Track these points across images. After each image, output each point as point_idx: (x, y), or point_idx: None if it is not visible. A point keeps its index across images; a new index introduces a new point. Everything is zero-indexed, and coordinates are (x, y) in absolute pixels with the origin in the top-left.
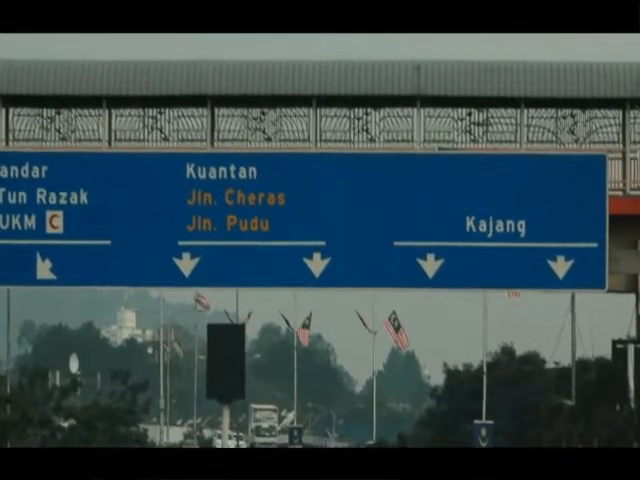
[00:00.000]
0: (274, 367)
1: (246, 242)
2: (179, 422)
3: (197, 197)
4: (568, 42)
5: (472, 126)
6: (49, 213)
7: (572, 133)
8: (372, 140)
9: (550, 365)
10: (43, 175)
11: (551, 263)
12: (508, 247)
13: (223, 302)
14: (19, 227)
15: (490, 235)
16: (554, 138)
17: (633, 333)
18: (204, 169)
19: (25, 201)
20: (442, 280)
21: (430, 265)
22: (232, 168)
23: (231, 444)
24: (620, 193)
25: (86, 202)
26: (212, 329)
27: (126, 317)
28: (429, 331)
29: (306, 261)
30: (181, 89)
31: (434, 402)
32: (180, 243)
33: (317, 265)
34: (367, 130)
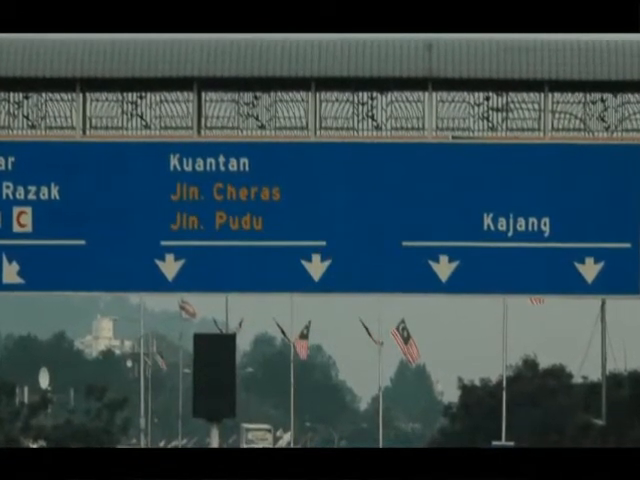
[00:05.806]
0: (268, 382)
1: (237, 242)
2: (162, 443)
3: (182, 192)
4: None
5: (490, 112)
6: (16, 209)
7: (602, 120)
8: (378, 128)
9: (577, 380)
10: (9, 167)
11: (579, 266)
12: (530, 248)
13: (211, 309)
14: None
15: (510, 234)
16: (582, 126)
17: None
18: (190, 160)
19: None
20: (457, 284)
21: (443, 268)
22: (221, 159)
23: None
24: None
25: (58, 197)
26: (199, 339)
27: (102, 326)
28: (442, 342)
29: (304, 263)
30: (164, 70)
31: (447, 421)
32: (163, 243)
33: (316, 268)
34: (372, 116)
